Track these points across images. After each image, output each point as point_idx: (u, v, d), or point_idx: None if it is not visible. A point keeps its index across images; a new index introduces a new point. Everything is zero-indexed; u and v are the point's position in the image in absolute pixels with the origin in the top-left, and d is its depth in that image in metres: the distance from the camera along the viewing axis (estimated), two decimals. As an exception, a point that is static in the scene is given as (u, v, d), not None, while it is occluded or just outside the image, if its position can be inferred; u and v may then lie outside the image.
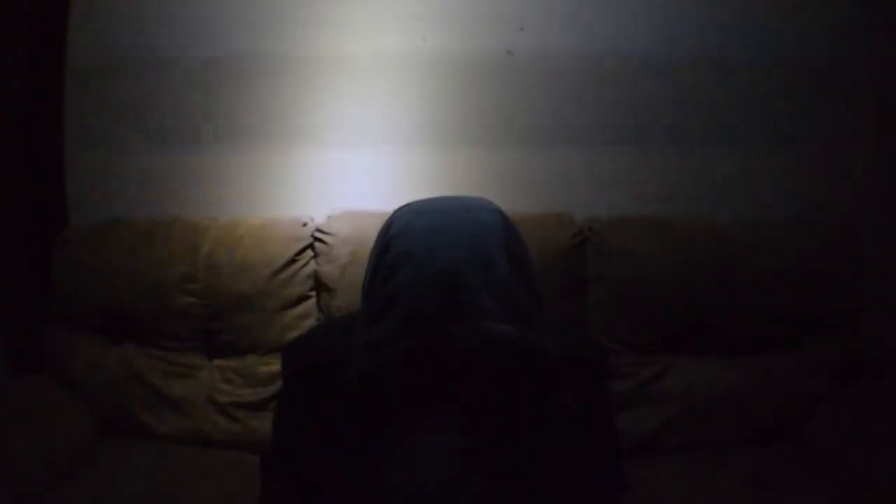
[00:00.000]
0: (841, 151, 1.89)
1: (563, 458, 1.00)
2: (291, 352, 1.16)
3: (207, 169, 1.91)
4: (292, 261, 1.71)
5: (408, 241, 0.94)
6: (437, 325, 0.89)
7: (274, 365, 1.68)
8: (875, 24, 1.83)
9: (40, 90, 1.83)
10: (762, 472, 1.53)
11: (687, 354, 1.70)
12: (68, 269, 1.74)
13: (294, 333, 1.67)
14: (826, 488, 1.47)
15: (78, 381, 1.71)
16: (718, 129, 1.89)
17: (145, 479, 1.51)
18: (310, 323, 1.73)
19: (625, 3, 1.84)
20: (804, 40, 1.85)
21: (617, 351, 1.68)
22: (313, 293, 1.74)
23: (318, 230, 1.76)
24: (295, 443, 1.05)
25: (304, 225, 1.76)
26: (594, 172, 1.89)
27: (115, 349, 1.74)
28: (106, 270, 1.72)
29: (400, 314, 0.90)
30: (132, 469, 1.55)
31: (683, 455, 1.62)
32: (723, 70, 1.87)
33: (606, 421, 1.12)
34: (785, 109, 1.88)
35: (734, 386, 1.66)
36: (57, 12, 1.83)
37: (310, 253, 1.75)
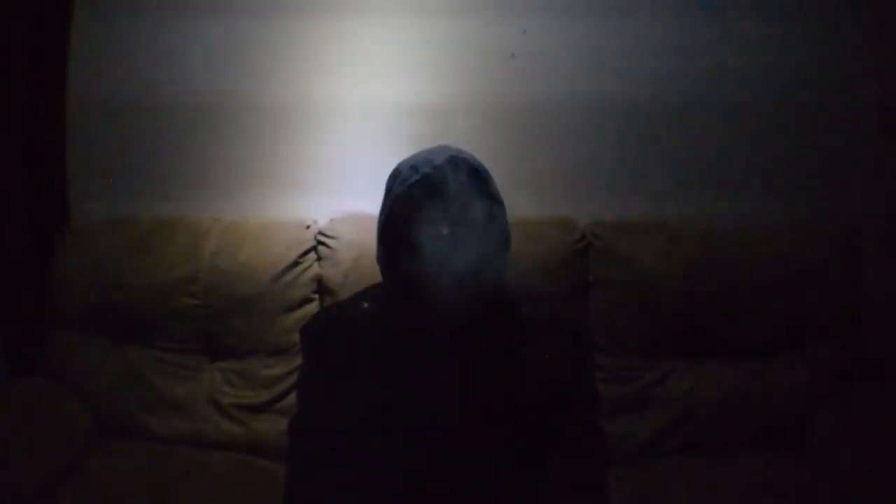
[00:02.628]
0: (842, 154, 1.89)
1: (540, 403, 1.18)
2: (310, 325, 1.32)
3: (209, 168, 1.90)
4: (295, 263, 1.71)
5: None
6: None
7: (276, 368, 1.69)
8: (877, 24, 1.84)
9: (42, 88, 1.82)
10: (763, 475, 1.54)
11: (688, 358, 1.70)
12: (69, 269, 1.74)
13: (297, 336, 1.63)
14: (827, 490, 1.48)
15: (78, 382, 1.71)
16: (721, 132, 1.89)
17: (146, 481, 1.51)
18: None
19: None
20: (805, 41, 1.85)
21: (618, 355, 1.69)
22: (316, 296, 1.73)
23: (322, 233, 1.75)
24: (319, 403, 1.21)
25: (307, 227, 1.76)
26: (598, 177, 1.89)
27: (116, 350, 1.73)
28: (107, 271, 1.72)
29: (400, 177, 1.19)
30: (132, 471, 1.55)
31: (685, 458, 1.62)
32: (724, 72, 1.86)
33: (586, 385, 1.27)
34: (786, 113, 1.88)
35: (735, 389, 1.67)
36: (58, 9, 1.82)
37: (313, 255, 1.74)
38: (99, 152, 1.91)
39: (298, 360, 1.65)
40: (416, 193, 1.13)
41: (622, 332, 1.69)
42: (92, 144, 1.90)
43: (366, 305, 1.26)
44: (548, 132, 1.88)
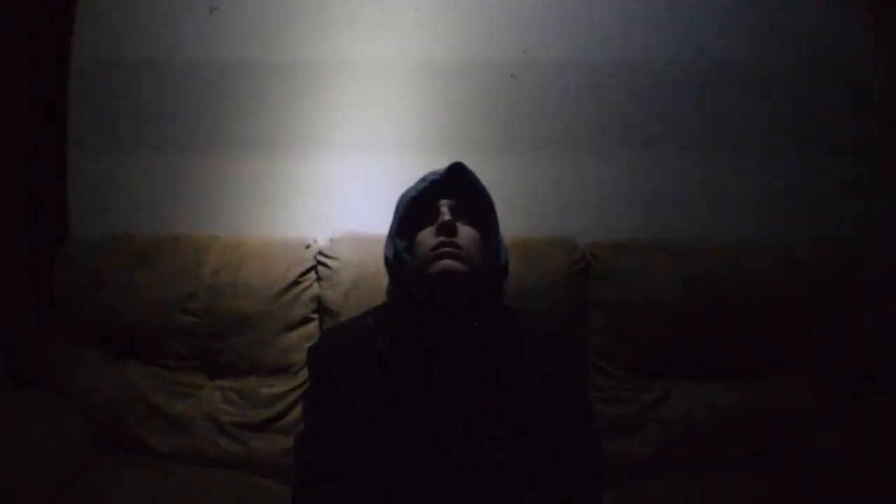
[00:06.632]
0: (841, 174, 1.90)
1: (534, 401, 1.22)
2: (317, 343, 1.36)
3: (210, 184, 1.91)
4: (295, 283, 1.71)
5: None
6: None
7: (275, 386, 1.68)
8: (878, 42, 1.85)
9: (43, 105, 1.83)
10: (762, 493, 1.54)
11: (687, 377, 1.70)
12: (69, 284, 1.74)
13: (296, 355, 1.68)
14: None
15: (78, 396, 1.70)
16: (720, 154, 1.90)
17: (144, 498, 1.50)
18: (312, 345, 1.72)
19: (630, 22, 1.86)
20: (805, 62, 1.86)
21: (618, 375, 1.69)
22: (316, 316, 1.73)
23: (321, 254, 1.75)
24: (326, 420, 1.24)
25: (307, 247, 1.76)
26: (598, 197, 1.90)
27: (116, 366, 1.73)
28: (107, 286, 1.71)
29: (409, 189, 1.31)
30: (131, 487, 1.54)
31: (684, 476, 1.62)
32: (727, 95, 1.88)
33: (581, 392, 1.30)
34: (788, 131, 1.89)
35: (734, 407, 1.67)
36: (60, 23, 1.83)
37: (313, 275, 1.74)
38: (100, 167, 1.91)
39: (298, 379, 1.67)
40: (425, 191, 1.28)
41: (621, 352, 1.69)
42: (92, 159, 1.90)
43: (370, 321, 1.30)
44: (547, 151, 1.89)
